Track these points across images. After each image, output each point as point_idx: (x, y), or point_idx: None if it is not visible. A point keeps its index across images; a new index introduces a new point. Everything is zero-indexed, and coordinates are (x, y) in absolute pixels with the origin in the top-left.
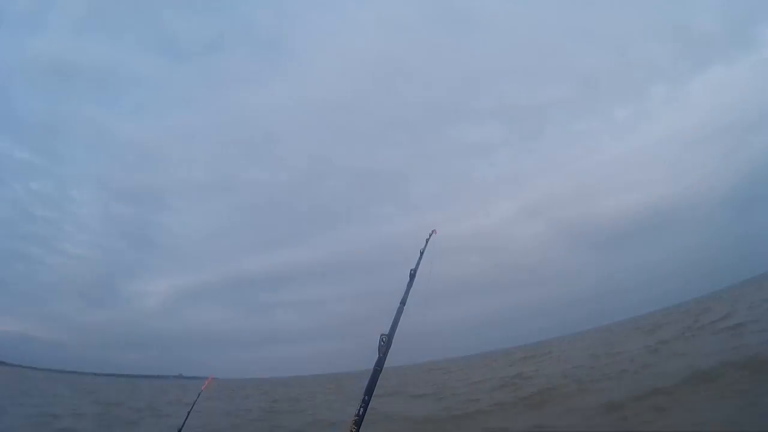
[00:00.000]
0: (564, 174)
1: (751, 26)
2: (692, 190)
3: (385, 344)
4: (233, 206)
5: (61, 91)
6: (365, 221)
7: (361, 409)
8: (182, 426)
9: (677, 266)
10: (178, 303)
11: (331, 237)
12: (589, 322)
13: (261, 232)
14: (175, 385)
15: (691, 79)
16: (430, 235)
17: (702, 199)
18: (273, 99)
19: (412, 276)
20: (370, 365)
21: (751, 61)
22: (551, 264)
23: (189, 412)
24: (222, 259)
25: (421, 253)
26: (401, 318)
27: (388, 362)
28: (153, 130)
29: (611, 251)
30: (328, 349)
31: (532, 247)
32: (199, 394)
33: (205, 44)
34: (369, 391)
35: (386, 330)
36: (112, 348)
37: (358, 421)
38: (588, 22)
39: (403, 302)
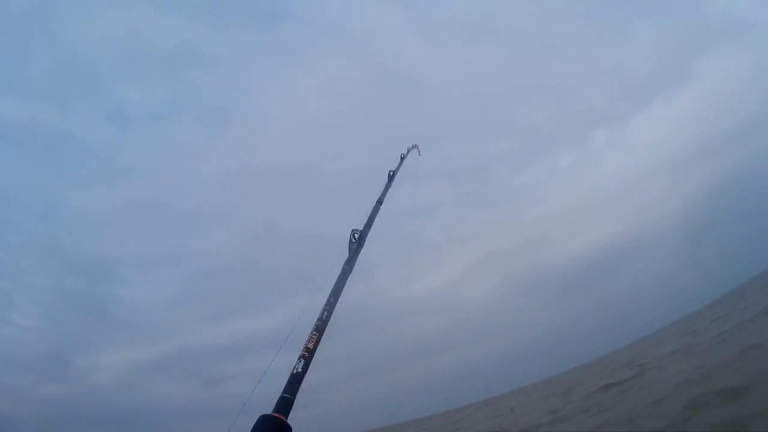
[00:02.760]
0: (512, 226)
1: (686, 60)
2: (644, 225)
3: (357, 242)
4: (185, 278)
5: (9, 158)
6: (318, 287)
7: (325, 313)
8: None
9: (636, 304)
10: (132, 377)
11: (285, 304)
12: (547, 371)
13: (213, 303)
14: None
15: (631, 119)
16: (412, 147)
17: (654, 233)
18: (220, 167)
19: (391, 178)
20: None
21: (690, 93)
22: (509, 316)
23: None
24: (175, 330)
25: (402, 158)
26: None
27: None
28: (102, 200)
29: (569, 296)
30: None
31: (488, 303)
32: None
33: (152, 114)
34: (336, 293)
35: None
36: (68, 424)
37: (321, 327)
38: (525, 76)
39: (379, 202)
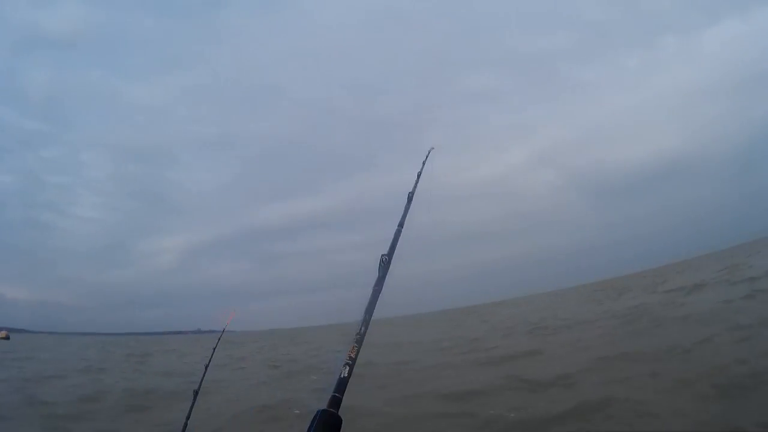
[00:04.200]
0: (573, 122)
1: None
2: (701, 144)
3: (385, 264)
4: (243, 159)
5: (65, 59)
6: (373, 169)
7: (362, 328)
8: (199, 387)
9: (680, 220)
10: (192, 258)
11: (342, 186)
12: (593, 274)
13: (272, 184)
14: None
15: (703, 32)
16: (428, 153)
17: (710, 154)
18: (276, 52)
19: (410, 199)
20: (383, 314)
21: (766, 16)
22: (561, 211)
23: (206, 368)
24: (234, 211)
25: (419, 176)
26: (399, 240)
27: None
28: (160, 90)
29: (619, 201)
30: (341, 298)
31: (542, 195)
32: (214, 350)
33: (206, 0)
34: (369, 310)
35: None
36: (130, 307)
37: (360, 339)
38: None
39: (400, 225)
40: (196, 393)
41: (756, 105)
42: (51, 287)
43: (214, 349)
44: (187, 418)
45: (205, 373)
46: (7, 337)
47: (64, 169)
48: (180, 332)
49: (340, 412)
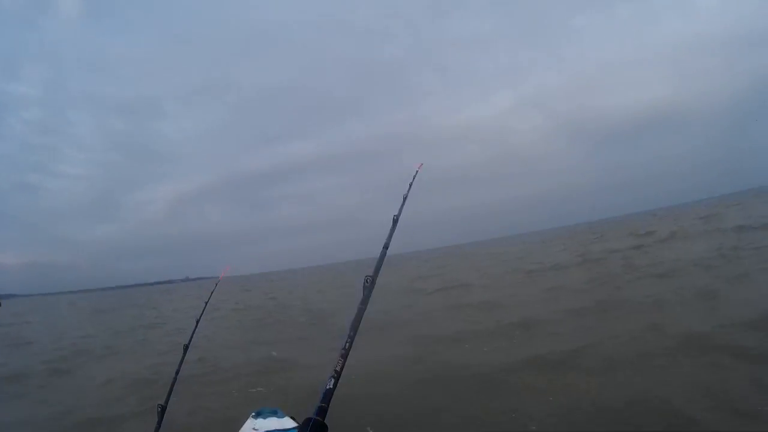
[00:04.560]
0: (564, 69)
1: None
2: (691, 97)
3: (369, 285)
4: (231, 106)
5: (45, 18)
6: (364, 113)
7: (347, 344)
8: (189, 341)
9: (666, 170)
10: (182, 207)
11: (331, 129)
12: (579, 218)
13: (260, 129)
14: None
15: None
16: (416, 174)
17: (699, 107)
18: None
19: (395, 221)
20: (370, 254)
21: None
22: (549, 156)
23: (197, 322)
24: (222, 158)
25: (405, 198)
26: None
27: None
28: (145, 42)
29: (607, 149)
30: (330, 240)
31: (530, 140)
32: (207, 303)
33: None
34: (354, 327)
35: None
36: (122, 259)
37: (345, 354)
38: None
39: (385, 247)
40: (186, 347)
41: (746, 62)
42: (40, 249)
43: (206, 303)
44: (177, 372)
45: (195, 327)
46: None
47: (50, 129)
48: (169, 281)
49: (327, 420)
